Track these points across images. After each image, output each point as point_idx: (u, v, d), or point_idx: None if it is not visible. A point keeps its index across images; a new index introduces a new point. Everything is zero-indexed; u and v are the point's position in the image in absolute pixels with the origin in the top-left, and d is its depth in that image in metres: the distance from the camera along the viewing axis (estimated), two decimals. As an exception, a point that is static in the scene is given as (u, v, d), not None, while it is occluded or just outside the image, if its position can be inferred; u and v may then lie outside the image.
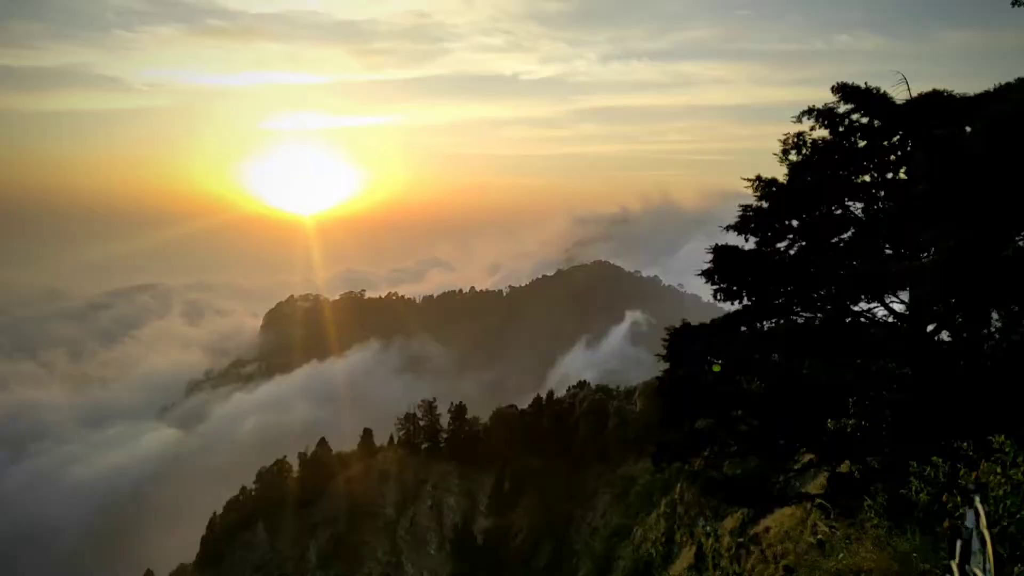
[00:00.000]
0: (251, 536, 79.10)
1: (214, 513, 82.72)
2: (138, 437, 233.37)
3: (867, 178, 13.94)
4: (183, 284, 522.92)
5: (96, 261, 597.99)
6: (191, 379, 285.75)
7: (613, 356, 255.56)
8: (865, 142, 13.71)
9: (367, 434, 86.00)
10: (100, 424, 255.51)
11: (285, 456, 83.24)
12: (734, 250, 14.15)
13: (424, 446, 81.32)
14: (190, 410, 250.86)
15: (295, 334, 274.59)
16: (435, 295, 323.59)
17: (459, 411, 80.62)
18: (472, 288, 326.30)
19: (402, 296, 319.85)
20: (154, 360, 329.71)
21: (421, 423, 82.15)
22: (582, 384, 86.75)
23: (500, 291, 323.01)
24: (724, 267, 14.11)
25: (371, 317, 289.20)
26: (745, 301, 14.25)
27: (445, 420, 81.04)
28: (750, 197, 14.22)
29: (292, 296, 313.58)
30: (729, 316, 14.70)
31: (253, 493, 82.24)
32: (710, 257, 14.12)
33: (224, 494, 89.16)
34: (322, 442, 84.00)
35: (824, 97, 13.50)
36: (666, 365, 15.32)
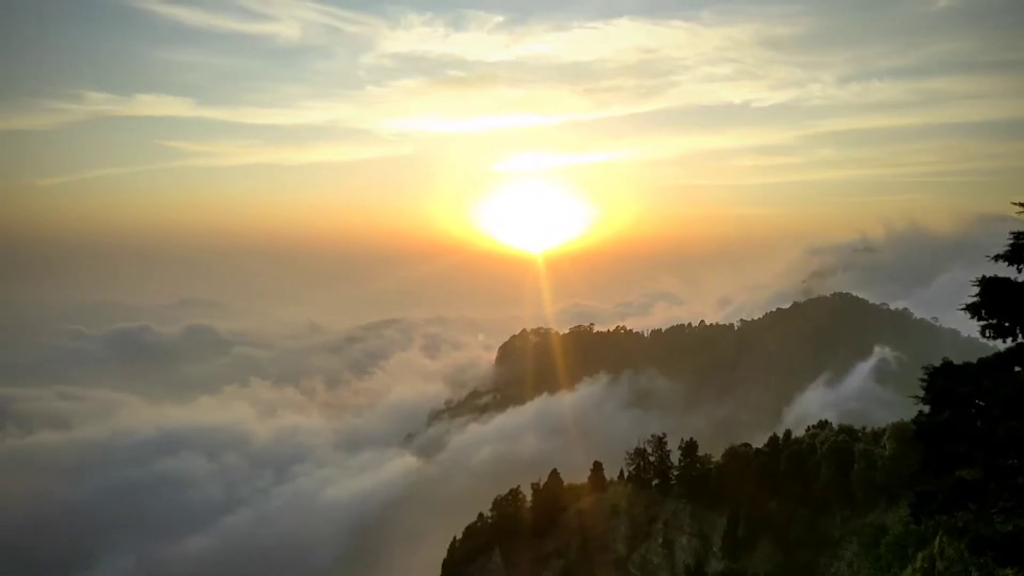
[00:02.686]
0: (487, 562, 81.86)
1: (454, 538, 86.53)
2: (385, 463, 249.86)
3: None
4: (424, 319, 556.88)
5: (351, 298, 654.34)
6: (432, 409, 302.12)
7: (856, 395, 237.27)
8: None
9: (597, 467, 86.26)
10: (353, 449, 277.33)
11: (519, 486, 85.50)
12: (1006, 282, 12.84)
13: (654, 482, 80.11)
14: (431, 439, 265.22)
15: (527, 367, 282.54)
16: (663, 329, 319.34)
17: (690, 447, 78.61)
18: (701, 322, 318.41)
19: (630, 330, 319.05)
20: (400, 390, 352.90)
21: (651, 459, 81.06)
22: (823, 424, 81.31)
23: (731, 325, 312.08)
24: (995, 301, 12.84)
25: (599, 351, 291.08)
26: (1021, 339, 12.86)
27: (675, 456, 79.38)
28: (1016, 222, 12.82)
29: (524, 330, 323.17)
30: (1001, 355, 13.32)
31: (489, 521, 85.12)
32: (976, 290, 12.90)
33: (460, 520, 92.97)
34: (554, 474, 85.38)
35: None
36: (924, 407, 14.15)
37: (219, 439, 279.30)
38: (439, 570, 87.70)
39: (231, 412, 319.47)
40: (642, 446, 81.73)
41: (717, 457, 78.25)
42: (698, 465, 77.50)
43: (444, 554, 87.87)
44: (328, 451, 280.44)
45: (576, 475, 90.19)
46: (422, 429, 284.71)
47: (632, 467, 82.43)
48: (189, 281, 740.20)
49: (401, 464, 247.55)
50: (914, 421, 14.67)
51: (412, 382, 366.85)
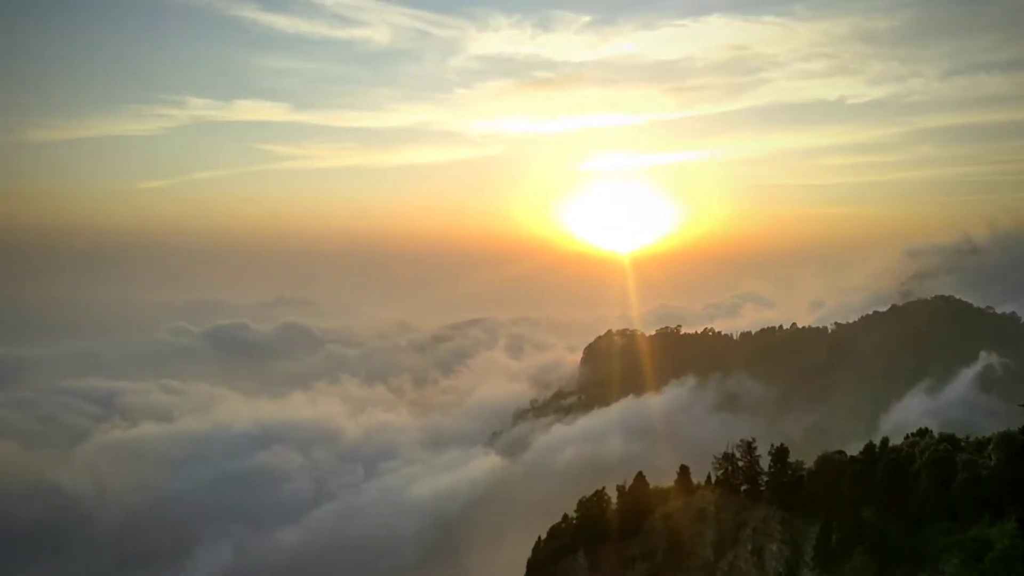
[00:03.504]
0: (572, 563, 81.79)
1: (539, 538, 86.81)
2: (469, 462, 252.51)
3: None
4: (509, 319, 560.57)
5: (439, 298, 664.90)
6: (517, 409, 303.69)
7: (958, 403, 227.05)
8: None
9: (684, 471, 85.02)
10: (439, 447, 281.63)
11: (604, 487, 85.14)
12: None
13: (743, 488, 78.45)
14: (515, 439, 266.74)
15: (612, 368, 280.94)
16: (752, 331, 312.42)
17: (780, 453, 76.50)
18: (793, 324, 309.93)
19: (718, 332, 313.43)
20: (485, 390, 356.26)
21: (740, 463, 79.38)
22: (923, 432, 77.97)
23: (824, 328, 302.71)
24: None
25: (687, 353, 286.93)
26: None
27: (765, 462, 77.49)
28: None
29: (609, 331, 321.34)
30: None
31: (574, 521, 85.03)
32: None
33: (542, 520, 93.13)
34: (639, 476, 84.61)
35: None
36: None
37: (310, 434, 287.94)
38: (520, 569, 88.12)
39: (322, 408, 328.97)
40: (730, 450, 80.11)
41: (809, 463, 76.05)
42: (789, 472, 75.48)
43: (525, 554, 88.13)
44: (415, 448, 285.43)
45: (661, 478, 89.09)
46: (507, 429, 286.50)
47: (720, 472, 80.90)
48: (285, 280, 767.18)
49: (485, 463, 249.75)
50: (1022, 431, 14.09)
51: (497, 382, 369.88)
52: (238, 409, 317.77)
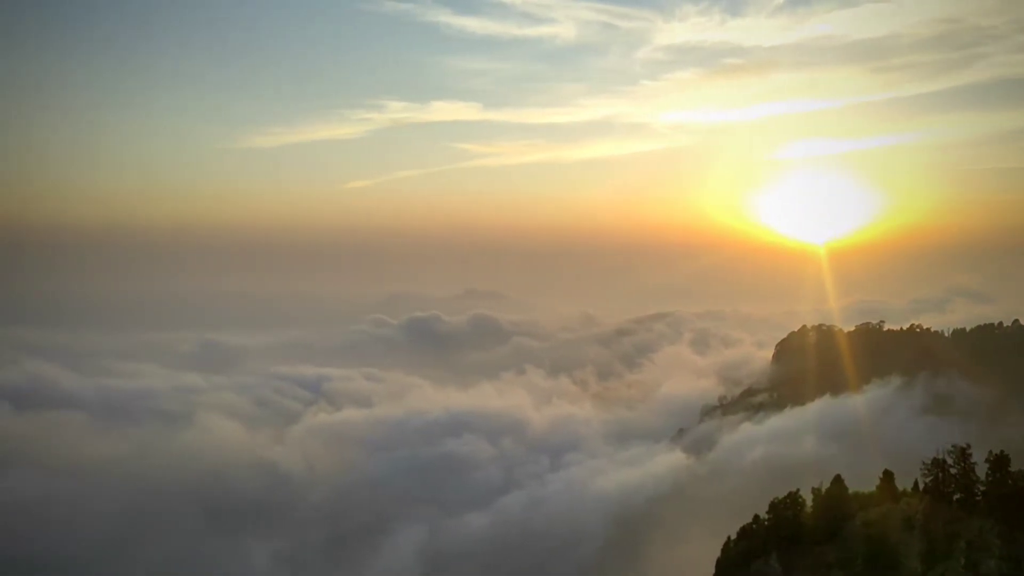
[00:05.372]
0: (764, 566, 79.22)
1: (728, 538, 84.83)
2: (653, 458, 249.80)
3: None
4: (694, 313, 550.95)
5: (624, 291, 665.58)
6: (704, 405, 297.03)
7: None
8: None
9: (887, 476, 79.84)
10: (623, 441, 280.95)
11: (798, 489, 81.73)
12: None
13: (956, 497, 72.55)
14: (702, 436, 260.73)
15: (807, 366, 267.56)
16: (967, 328, 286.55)
17: (1000, 461, 70.00)
18: (1015, 321, 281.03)
19: (927, 328, 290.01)
20: (671, 385, 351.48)
21: (952, 471, 73.46)
22: None
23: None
24: None
25: (891, 351, 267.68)
26: None
27: (980, 470, 71.19)
28: None
29: (804, 326, 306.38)
30: None
31: (766, 523, 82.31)
32: None
33: (727, 520, 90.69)
34: (837, 479, 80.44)
35: None
36: None
37: (498, 424, 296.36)
38: (701, 569, 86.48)
39: (509, 399, 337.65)
40: (941, 456, 74.35)
41: (1033, 474, 69.12)
42: (1010, 481, 69.00)
43: (708, 553, 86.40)
44: (598, 442, 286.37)
45: (859, 483, 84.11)
46: (693, 425, 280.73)
47: (929, 479, 75.27)
48: (475, 273, 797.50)
49: (670, 460, 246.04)
50: None
51: (682, 377, 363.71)
52: (431, 397, 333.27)
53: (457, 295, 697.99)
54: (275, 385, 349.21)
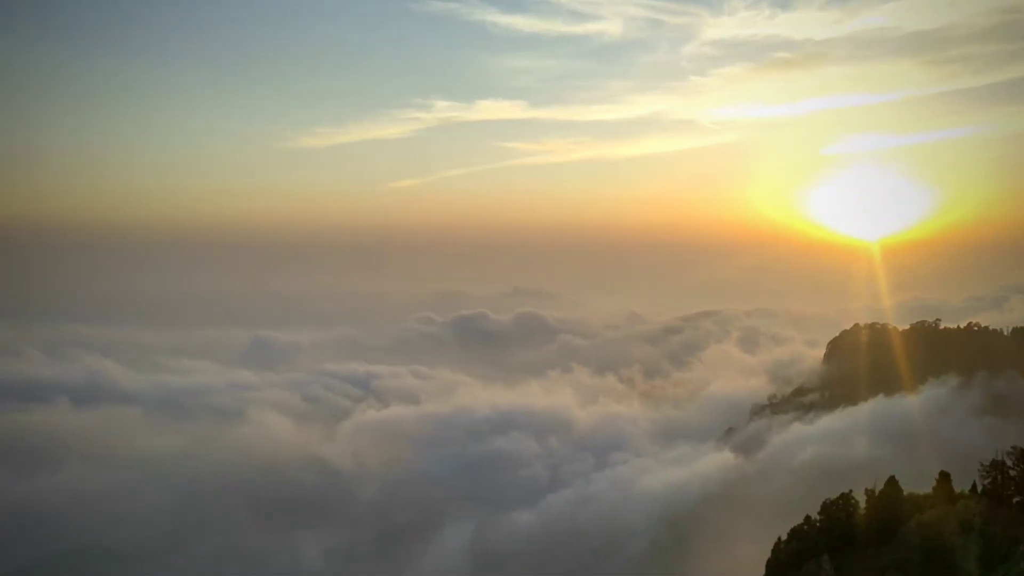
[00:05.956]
0: (815, 568, 78.11)
1: (778, 539, 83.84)
2: (700, 457, 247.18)
3: None
4: (743, 311, 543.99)
5: (672, 289, 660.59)
6: (753, 404, 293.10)
7: None
8: None
9: (944, 478, 78.20)
10: (669, 440, 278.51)
11: (851, 490, 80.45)
12: None
13: (1016, 500, 70.82)
14: (751, 435, 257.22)
15: (859, 365, 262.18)
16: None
17: (1062, 465, 68.37)
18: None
19: (985, 327, 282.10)
20: (718, 384, 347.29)
21: (1011, 473, 71.72)
22: None
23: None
24: None
25: (947, 350, 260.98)
26: None
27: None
28: None
29: (856, 325, 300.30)
30: None
31: (818, 524, 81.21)
32: None
33: (775, 521, 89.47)
34: (891, 480, 79.00)
35: None
36: None
37: (544, 422, 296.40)
38: (749, 569, 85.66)
39: (555, 397, 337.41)
40: (1000, 458, 72.61)
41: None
42: (1073, 485, 67.22)
43: (756, 554, 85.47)
44: (645, 440, 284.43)
45: (914, 484, 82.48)
46: (742, 425, 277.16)
47: (987, 481, 73.56)
48: (522, 271, 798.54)
49: (718, 459, 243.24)
50: None
51: (730, 376, 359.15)
52: (478, 395, 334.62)
53: (504, 293, 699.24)
54: (325, 382, 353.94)
